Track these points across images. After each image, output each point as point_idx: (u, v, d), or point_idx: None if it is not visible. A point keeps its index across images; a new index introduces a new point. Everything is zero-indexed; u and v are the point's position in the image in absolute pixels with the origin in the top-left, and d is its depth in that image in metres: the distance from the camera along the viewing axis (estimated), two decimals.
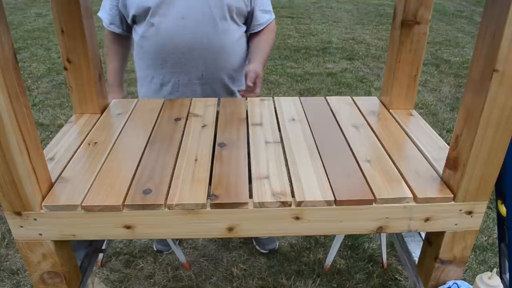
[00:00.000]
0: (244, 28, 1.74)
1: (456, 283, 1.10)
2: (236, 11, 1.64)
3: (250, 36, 1.80)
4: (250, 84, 1.59)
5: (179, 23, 1.57)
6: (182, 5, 1.56)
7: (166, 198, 1.02)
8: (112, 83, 1.80)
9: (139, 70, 1.77)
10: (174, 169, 1.14)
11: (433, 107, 3.91)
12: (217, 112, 1.49)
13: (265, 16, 1.75)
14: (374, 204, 1.04)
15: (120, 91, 1.84)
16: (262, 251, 2.18)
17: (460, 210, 1.06)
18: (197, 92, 1.71)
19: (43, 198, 1.02)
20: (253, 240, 2.24)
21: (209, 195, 1.04)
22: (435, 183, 1.09)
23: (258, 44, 1.76)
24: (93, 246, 1.34)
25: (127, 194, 1.04)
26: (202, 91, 1.71)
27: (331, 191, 1.05)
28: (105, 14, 1.70)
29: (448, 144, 1.14)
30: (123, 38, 1.77)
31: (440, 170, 1.12)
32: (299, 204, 1.02)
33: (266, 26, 1.76)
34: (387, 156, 1.21)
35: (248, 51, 1.80)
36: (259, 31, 1.77)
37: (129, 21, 1.66)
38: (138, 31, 1.66)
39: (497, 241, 1.74)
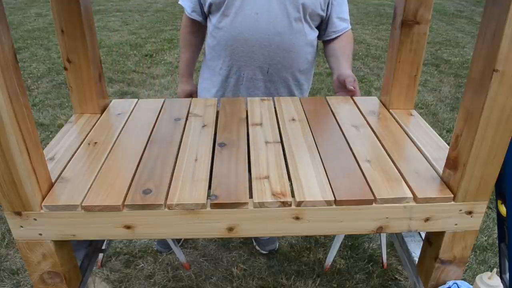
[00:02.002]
0: (316, 32, 1.73)
1: (456, 283, 1.10)
2: (311, 12, 1.63)
3: (327, 43, 1.78)
4: (351, 88, 1.59)
5: (253, 17, 1.58)
6: (258, 0, 1.57)
7: (166, 198, 1.02)
8: (183, 73, 1.85)
9: (209, 59, 1.78)
10: (174, 169, 1.14)
11: (433, 107, 3.91)
12: (217, 112, 1.49)
13: (342, 24, 1.74)
14: (374, 204, 1.04)
15: (191, 83, 1.87)
16: (262, 251, 2.18)
17: (460, 210, 1.06)
18: (259, 88, 1.72)
19: (43, 198, 1.02)
20: (253, 241, 2.24)
21: (209, 195, 1.04)
22: (435, 183, 1.09)
23: (342, 49, 1.74)
24: (93, 246, 1.34)
25: (127, 194, 1.04)
26: (264, 88, 1.73)
27: (331, 191, 1.05)
28: (188, 2, 1.73)
29: (448, 144, 1.14)
30: (201, 28, 1.80)
31: (440, 170, 1.12)
32: (299, 204, 1.02)
33: (342, 33, 1.74)
34: (387, 156, 1.21)
35: (328, 59, 1.79)
36: (335, 38, 1.75)
37: (205, 9, 1.69)
38: (212, 21, 1.68)
39: (497, 241, 1.74)
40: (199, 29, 1.80)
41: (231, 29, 1.62)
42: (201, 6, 1.71)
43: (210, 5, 1.64)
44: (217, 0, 1.61)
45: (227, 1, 1.59)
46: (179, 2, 1.78)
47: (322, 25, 1.74)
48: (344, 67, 1.69)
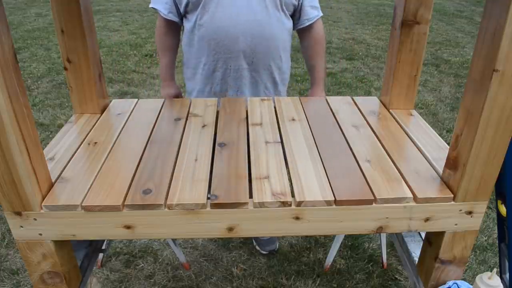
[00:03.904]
0: (291, 21, 1.79)
1: (456, 283, 1.10)
2: (286, 1, 1.69)
3: (301, 34, 1.85)
4: None
5: (233, 10, 1.62)
6: None
7: (166, 198, 1.02)
8: (166, 77, 1.85)
9: (190, 58, 1.80)
10: (174, 169, 1.14)
11: (433, 107, 3.91)
12: (217, 112, 1.49)
13: (313, 11, 1.80)
14: (374, 204, 1.04)
15: (175, 86, 1.88)
16: (262, 252, 2.18)
17: (460, 210, 1.06)
18: (245, 78, 1.76)
19: (43, 198, 1.02)
20: (253, 241, 2.24)
21: (209, 195, 1.04)
22: (435, 183, 1.09)
23: (316, 49, 1.85)
24: (93, 246, 1.34)
25: (127, 194, 1.04)
26: (250, 77, 1.77)
27: (331, 191, 1.05)
28: (162, 4, 1.73)
29: (448, 144, 1.14)
30: (177, 28, 1.81)
31: (440, 170, 1.12)
32: (299, 204, 1.02)
33: (314, 21, 1.81)
34: (387, 156, 1.21)
35: (304, 54, 1.88)
36: (308, 28, 1.82)
37: (181, 9, 1.70)
38: (191, 19, 1.70)
39: (497, 241, 1.74)
40: (175, 30, 1.81)
41: (212, 24, 1.64)
42: (177, 6, 1.72)
43: (188, 4, 1.66)
44: None
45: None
46: (151, 6, 1.78)
47: (296, 14, 1.78)
48: (317, 88, 1.86)
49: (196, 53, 1.75)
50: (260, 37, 1.67)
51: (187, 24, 1.73)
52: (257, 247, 2.20)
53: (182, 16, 1.75)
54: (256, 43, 1.68)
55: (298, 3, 1.75)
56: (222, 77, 1.75)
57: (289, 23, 1.77)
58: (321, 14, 1.84)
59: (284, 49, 1.79)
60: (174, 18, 1.75)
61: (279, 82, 1.84)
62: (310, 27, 1.81)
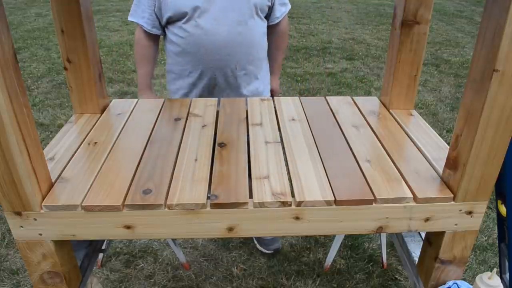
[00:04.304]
0: (265, 21, 1.87)
1: (456, 283, 1.10)
2: (261, 7, 1.78)
3: (268, 31, 1.90)
4: None
5: (214, 24, 1.69)
6: (215, 9, 1.68)
7: (166, 198, 1.02)
8: (144, 87, 1.91)
9: (174, 65, 1.85)
10: (174, 169, 1.14)
11: (433, 107, 3.91)
12: (217, 112, 1.49)
13: (281, 9, 1.88)
14: (374, 204, 1.04)
15: (152, 94, 1.94)
16: (267, 251, 2.17)
17: (460, 210, 1.06)
18: (230, 83, 1.83)
19: (43, 198, 1.02)
20: (256, 242, 2.23)
21: (209, 195, 1.04)
22: (435, 183, 1.09)
23: (277, 54, 1.99)
24: (93, 246, 1.34)
25: (127, 194, 1.04)
26: (234, 82, 1.83)
27: (331, 191, 1.05)
28: (144, 19, 1.78)
29: (448, 144, 1.14)
30: (157, 40, 1.87)
31: (440, 170, 1.12)
32: (299, 204, 1.02)
33: (281, 19, 1.90)
34: (387, 156, 1.21)
35: (268, 48, 1.94)
36: (276, 30, 1.92)
37: (163, 21, 1.75)
38: (174, 31, 1.75)
39: (497, 241, 1.74)
40: (156, 42, 1.86)
41: (196, 37, 1.70)
42: (159, 19, 1.77)
43: (169, 18, 1.71)
44: (177, 14, 1.68)
45: (189, 15, 1.67)
46: (130, 19, 1.82)
47: (268, 13, 1.86)
48: (274, 77, 2.04)
49: (180, 61, 1.80)
50: (240, 46, 1.75)
51: (171, 35, 1.78)
52: (261, 248, 2.19)
53: (163, 27, 1.80)
54: (238, 51, 1.75)
55: (271, 3, 1.82)
56: (207, 84, 1.81)
57: (264, 24, 1.85)
58: (289, 7, 1.94)
59: (263, 49, 1.89)
60: (157, 32, 1.81)
61: (258, 76, 1.92)
62: (277, 23, 1.90)
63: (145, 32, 1.80)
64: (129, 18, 1.84)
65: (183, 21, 1.69)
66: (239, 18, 1.71)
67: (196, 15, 1.67)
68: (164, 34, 1.83)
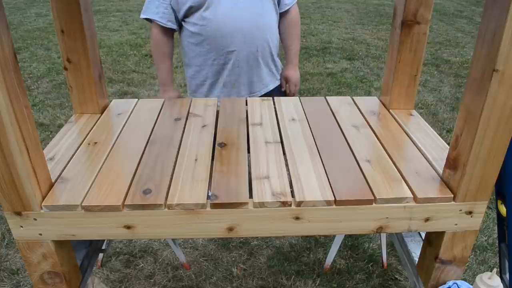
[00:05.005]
0: (277, 8, 1.93)
1: (456, 283, 1.10)
2: None
3: (280, 19, 1.96)
4: (289, 92, 2.06)
5: (233, 8, 1.75)
6: None
7: (166, 198, 1.02)
8: (167, 82, 1.94)
9: (195, 57, 1.88)
10: (174, 169, 1.14)
11: (433, 107, 3.91)
12: (217, 112, 1.49)
13: None
14: (374, 204, 1.04)
15: (175, 89, 1.97)
16: None
17: (460, 210, 1.06)
18: (253, 66, 1.88)
19: (43, 198, 1.02)
20: None
21: (209, 195, 1.04)
22: (435, 183, 1.09)
23: (290, 41, 2.01)
24: (93, 246, 1.34)
25: (127, 194, 1.04)
26: (256, 67, 1.89)
27: (331, 191, 1.05)
28: (159, 14, 1.80)
29: (448, 144, 1.14)
30: (172, 34, 1.89)
31: (440, 170, 1.12)
32: (299, 204, 1.02)
33: (292, 6, 1.96)
34: (387, 156, 1.21)
35: (281, 36, 2.00)
36: (286, 12, 1.96)
37: (181, 13, 1.78)
38: (192, 21, 1.78)
39: (497, 241, 1.74)
40: (171, 36, 1.89)
41: (218, 23, 1.74)
42: (175, 13, 1.79)
43: (190, 8, 1.74)
44: (197, 3, 1.72)
45: (208, 2, 1.72)
46: (143, 17, 1.84)
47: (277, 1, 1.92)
48: (292, 66, 2.03)
49: (203, 51, 1.83)
50: (260, 28, 1.81)
51: (190, 27, 1.80)
52: None
53: (179, 21, 1.82)
54: (258, 34, 1.81)
55: None
56: (231, 68, 1.85)
57: (276, 11, 1.91)
58: None
59: (277, 38, 1.96)
60: (172, 25, 1.83)
61: (278, 67, 2.00)
62: (287, 11, 1.95)
63: (161, 28, 1.82)
64: (142, 16, 1.85)
65: (203, 9, 1.73)
66: (255, 1, 1.78)
67: (216, 1, 1.71)
68: (179, 29, 1.86)
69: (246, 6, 1.76)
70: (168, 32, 1.85)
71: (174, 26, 1.83)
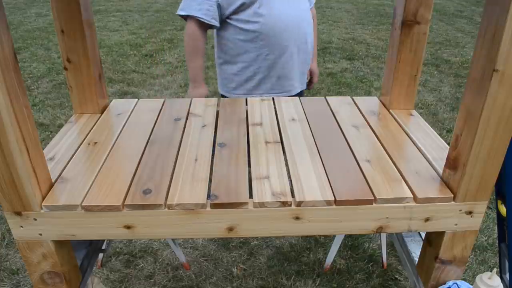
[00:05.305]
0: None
1: (456, 283, 1.10)
2: None
3: None
4: (312, 84, 2.24)
5: (284, 3, 1.82)
6: None
7: (166, 198, 1.02)
8: (200, 79, 1.96)
9: (244, 54, 1.89)
10: (174, 169, 1.14)
11: (433, 107, 3.91)
12: (217, 112, 1.49)
13: None
14: (374, 204, 1.04)
15: (206, 87, 1.99)
16: None
17: (460, 210, 1.06)
18: (303, 59, 1.98)
19: (43, 198, 1.02)
20: None
21: (209, 195, 1.04)
22: (435, 183, 1.09)
23: (313, 36, 2.08)
24: (93, 246, 1.34)
25: (127, 194, 1.04)
26: (302, 59, 1.97)
27: (331, 191, 1.05)
28: (202, 11, 1.79)
29: (448, 144, 1.14)
30: (206, 34, 1.91)
31: (440, 170, 1.12)
32: (299, 204, 1.02)
33: (313, 5, 2.08)
34: (387, 156, 1.21)
35: None
36: (311, 14, 2.05)
37: (229, 11, 1.79)
38: (243, 18, 1.80)
39: (497, 241, 1.74)
40: (206, 34, 1.90)
41: (271, 18, 1.80)
42: (220, 10, 1.80)
43: (242, 4, 1.76)
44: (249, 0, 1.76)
45: None
46: (184, 13, 1.82)
47: None
48: (314, 59, 2.19)
49: (255, 47, 1.85)
50: (305, 24, 1.91)
51: (240, 24, 1.82)
52: None
53: (222, 19, 1.83)
54: (302, 31, 1.90)
55: None
56: (286, 63, 1.90)
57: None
58: None
59: (311, 36, 2.04)
60: (216, 23, 1.83)
61: (309, 63, 2.09)
62: (311, 8, 2.04)
63: (201, 25, 1.82)
64: (181, 13, 1.84)
65: (256, 5, 1.76)
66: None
67: None
68: (219, 27, 1.86)
69: (294, 1, 1.85)
70: (205, 29, 1.86)
71: (217, 24, 1.83)
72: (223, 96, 2.05)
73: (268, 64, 1.89)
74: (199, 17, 1.79)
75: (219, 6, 1.78)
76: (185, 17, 1.85)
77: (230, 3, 1.76)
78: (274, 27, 1.80)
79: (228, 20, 1.83)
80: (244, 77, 1.94)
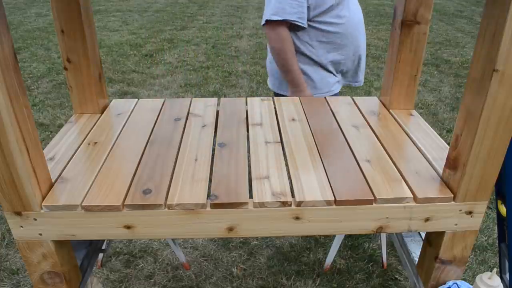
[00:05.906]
0: None
1: (456, 283, 1.10)
2: None
3: None
4: None
5: (354, 5, 1.89)
6: None
7: (166, 198, 1.02)
8: (302, 82, 1.87)
9: (322, 55, 1.88)
10: (174, 169, 1.14)
11: (433, 107, 3.91)
12: (217, 112, 1.49)
13: None
14: (374, 204, 1.04)
15: (308, 89, 1.93)
16: None
17: (460, 210, 1.06)
18: (364, 62, 2.04)
19: (43, 198, 1.02)
20: None
21: (209, 195, 1.04)
22: (435, 183, 1.09)
23: None
24: (93, 246, 1.34)
25: (127, 194, 1.04)
26: (365, 57, 2.05)
27: (331, 191, 1.05)
28: (298, 14, 1.73)
29: (448, 144, 1.14)
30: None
31: (440, 170, 1.12)
32: (299, 204, 1.02)
33: None
34: (387, 156, 1.21)
35: None
36: None
37: (315, 13, 1.77)
38: (327, 20, 1.80)
39: (497, 241, 1.74)
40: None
41: (351, 19, 1.85)
42: (308, 12, 1.77)
43: (331, 6, 1.76)
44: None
45: None
46: (278, 18, 1.72)
47: None
48: None
49: (336, 48, 1.87)
50: (363, 28, 1.98)
51: (323, 26, 1.81)
52: None
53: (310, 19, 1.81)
54: (362, 33, 1.96)
55: None
56: (361, 60, 1.98)
57: None
58: None
59: None
60: (304, 24, 1.78)
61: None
62: None
63: (291, 27, 1.76)
64: (275, 18, 1.72)
65: (340, 7, 1.78)
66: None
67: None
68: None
69: (358, 8, 1.93)
70: (298, 29, 1.80)
71: (305, 25, 1.77)
72: (277, 95, 2.02)
73: (353, 63, 1.96)
74: (294, 20, 1.72)
75: (308, 8, 1.75)
76: (271, 22, 1.74)
77: (320, 4, 1.73)
78: (355, 28, 1.86)
79: (310, 23, 1.78)
80: (329, 78, 1.96)
